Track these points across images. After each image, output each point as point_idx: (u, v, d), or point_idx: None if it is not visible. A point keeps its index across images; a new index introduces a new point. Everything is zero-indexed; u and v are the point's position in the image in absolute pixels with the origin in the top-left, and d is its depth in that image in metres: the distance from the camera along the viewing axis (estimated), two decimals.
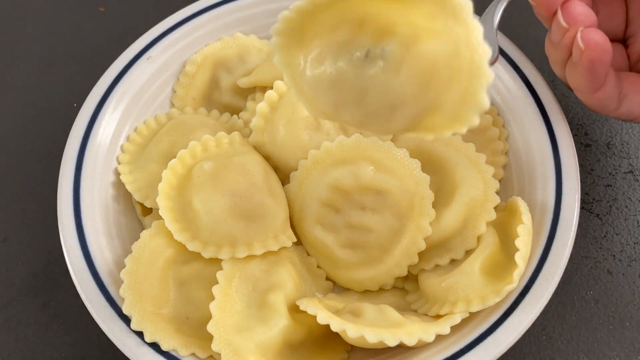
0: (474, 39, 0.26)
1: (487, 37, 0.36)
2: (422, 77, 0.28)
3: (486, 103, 0.26)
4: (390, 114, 0.29)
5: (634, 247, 0.42)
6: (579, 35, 0.33)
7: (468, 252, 0.36)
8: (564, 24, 0.33)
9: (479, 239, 0.37)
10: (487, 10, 0.39)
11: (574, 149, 0.37)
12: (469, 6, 0.26)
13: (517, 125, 0.40)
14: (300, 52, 0.30)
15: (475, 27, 0.26)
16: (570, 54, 0.34)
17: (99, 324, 0.35)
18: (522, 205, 0.36)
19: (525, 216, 0.35)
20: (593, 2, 0.36)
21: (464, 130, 0.28)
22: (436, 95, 0.28)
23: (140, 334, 0.34)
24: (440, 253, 0.37)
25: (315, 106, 0.31)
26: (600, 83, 0.34)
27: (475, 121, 0.27)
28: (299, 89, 0.31)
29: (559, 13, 0.33)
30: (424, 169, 0.38)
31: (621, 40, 0.39)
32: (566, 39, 0.34)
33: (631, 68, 0.38)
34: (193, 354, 0.34)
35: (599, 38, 0.32)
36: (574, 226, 0.35)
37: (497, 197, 0.37)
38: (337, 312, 0.35)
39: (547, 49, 0.36)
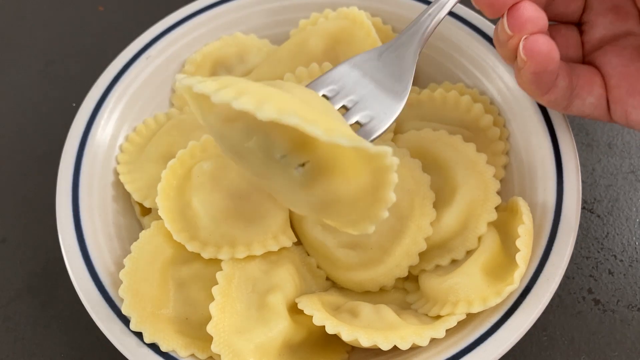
0: (383, 192, 0.28)
1: (403, 70, 0.35)
2: (326, 201, 0.30)
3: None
4: (295, 203, 0.33)
5: (635, 248, 0.42)
6: (521, 45, 0.31)
7: (469, 253, 0.36)
8: (508, 31, 0.31)
9: (479, 239, 0.36)
10: (411, 26, 0.35)
11: (575, 148, 0.37)
12: (386, 152, 0.26)
13: (517, 125, 0.40)
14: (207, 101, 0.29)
15: (388, 183, 0.27)
16: (516, 56, 0.32)
17: (97, 324, 0.34)
18: (523, 206, 0.36)
19: (526, 216, 0.35)
20: None
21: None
22: (337, 212, 0.31)
23: (139, 335, 0.34)
24: (441, 253, 0.37)
25: (221, 146, 0.33)
26: (548, 88, 0.33)
27: (370, 229, 0.30)
28: (208, 126, 0.32)
29: (504, 19, 0.31)
30: (425, 169, 0.38)
31: (576, 23, 0.37)
32: (510, 45, 0.32)
33: (584, 57, 0.36)
34: (192, 355, 0.34)
35: (544, 47, 0.30)
36: (575, 226, 0.35)
37: (498, 197, 0.37)
38: (336, 310, 0.35)
39: (494, 41, 0.34)
